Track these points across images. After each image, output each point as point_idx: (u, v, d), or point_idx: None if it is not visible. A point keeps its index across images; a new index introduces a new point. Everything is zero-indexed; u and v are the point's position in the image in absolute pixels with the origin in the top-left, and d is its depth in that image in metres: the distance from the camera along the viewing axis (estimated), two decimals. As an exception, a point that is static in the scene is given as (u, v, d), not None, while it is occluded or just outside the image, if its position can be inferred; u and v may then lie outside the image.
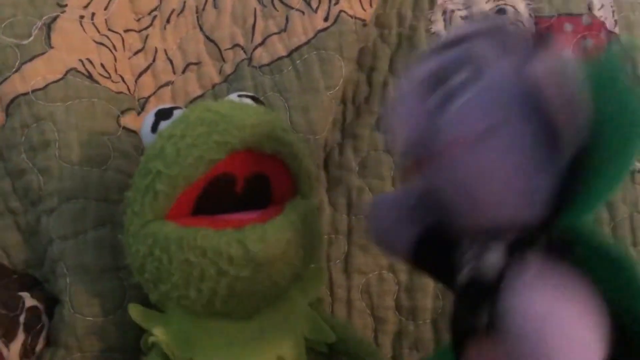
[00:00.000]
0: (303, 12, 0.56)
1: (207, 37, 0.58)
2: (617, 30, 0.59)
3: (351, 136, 0.59)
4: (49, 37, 0.52)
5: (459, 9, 0.61)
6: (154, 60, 0.57)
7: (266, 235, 0.36)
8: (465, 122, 0.26)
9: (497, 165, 0.26)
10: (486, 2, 0.61)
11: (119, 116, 0.52)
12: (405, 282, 0.52)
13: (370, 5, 0.57)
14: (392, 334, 0.52)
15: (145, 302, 0.42)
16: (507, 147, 0.26)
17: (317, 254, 0.43)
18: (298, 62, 0.54)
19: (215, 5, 0.59)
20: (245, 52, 0.56)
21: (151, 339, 0.39)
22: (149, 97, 0.56)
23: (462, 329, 0.30)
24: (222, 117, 0.37)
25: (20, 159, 0.49)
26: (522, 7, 0.60)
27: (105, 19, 0.57)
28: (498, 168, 0.26)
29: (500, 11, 0.60)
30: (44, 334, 0.46)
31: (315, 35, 0.54)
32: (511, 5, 0.60)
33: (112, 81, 0.54)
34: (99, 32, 0.56)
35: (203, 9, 0.59)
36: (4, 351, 0.42)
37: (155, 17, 0.59)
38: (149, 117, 0.42)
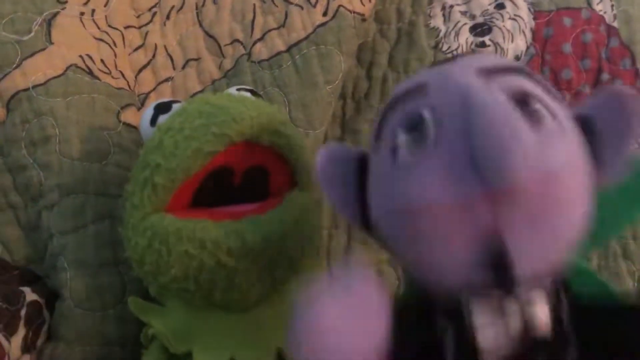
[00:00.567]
0: (302, 7, 0.56)
1: (207, 33, 0.58)
2: (616, 24, 0.59)
3: (351, 131, 0.59)
4: (49, 33, 0.52)
5: (457, 4, 0.61)
6: (153, 56, 0.58)
7: (264, 227, 0.36)
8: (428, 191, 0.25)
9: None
10: (485, -3, 0.61)
11: (119, 112, 0.52)
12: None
13: (369, 0, 0.57)
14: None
15: (146, 296, 0.42)
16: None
17: (316, 247, 0.43)
18: (297, 57, 0.54)
19: (214, 2, 0.59)
20: (244, 47, 0.56)
21: (150, 331, 0.39)
22: (149, 92, 0.56)
23: None
24: (220, 110, 0.37)
25: (20, 154, 0.49)
26: (521, 1, 0.60)
27: (105, 16, 0.57)
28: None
29: (499, 6, 0.60)
30: (44, 329, 0.46)
31: (314, 30, 0.55)
32: (510, 0, 0.60)
33: (112, 77, 0.54)
34: (99, 28, 0.56)
35: (202, 5, 0.59)
36: (5, 344, 0.43)
37: (155, 13, 0.59)
38: (148, 111, 0.42)
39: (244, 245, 0.36)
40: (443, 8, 0.61)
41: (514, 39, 0.59)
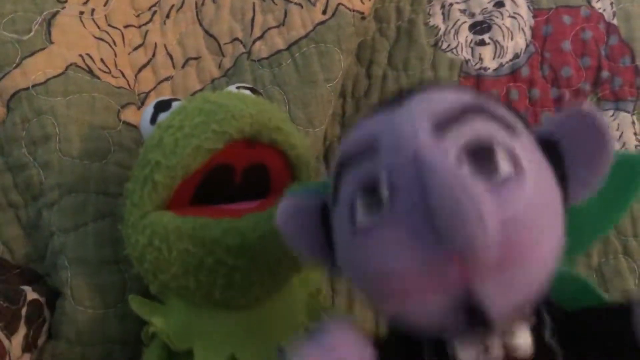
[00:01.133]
0: (301, 6, 0.56)
1: (207, 32, 0.58)
2: (615, 21, 0.59)
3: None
4: (49, 32, 0.52)
5: (457, 3, 0.61)
6: (153, 55, 0.58)
7: (263, 225, 0.36)
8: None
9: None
10: (485, -5, 0.61)
11: (119, 111, 0.52)
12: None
13: (369, -2, 0.57)
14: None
15: (146, 295, 0.42)
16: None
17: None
18: (297, 55, 0.54)
19: (214, 0, 0.59)
20: (244, 46, 0.57)
21: (151, 329, 0.39)
22: (149, 92, 0.56)
23: None
24: (220, 107, 0.37)
25: (21, 153, 0.49)
26: (520, -1, 0.60)
27: (105, 15, 0.57)
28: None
29: (499, 4, 0.60)
30: (45, 328, 0.46)
31: (314, 28, 0.55)
32: (509, -3, 0.60)
33: (112, 76, 0.54)
34: (98, 27, 0.56)
35: (202, 4, 0.59)
36: (6, 343, 0.43)
37: (154, 12, 0.59)
38: (148, 109, 0.42)
39: (243, 243, 0.36)
40: (442, 6, 0.61)
41: (514, 37, 0.59)
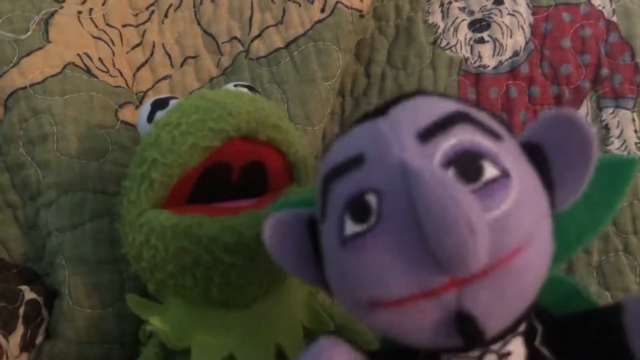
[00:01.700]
0: (299, 4, 0.56)
1: (205, 31, 0.58)
2: (615, 19, 0.58)
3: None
4: (46, 32, 0.52)
5: (456, 0, 0.61)
6: (151, 54, 0.58)
7: (261, 222, 0.36)
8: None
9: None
10: (484, -7, 0.61)
11: (117, 110, 0.52)
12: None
13: (367, -4, 0.57)
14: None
15: (144, 294, 0.42)
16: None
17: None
18: (295, 53, 0.54)
19: (212, -1, 0.59)
20: (242, 44, 0.56)
21: (149, 328, 0.39)
22: (147, 91, 0.56)
23: None
24: (217, 105, 0.37)
25: (18, 152, 0.49)
26: (519, -4, 0.60)
27: (103, 14, 0.57)
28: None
29: (498, 1, 0.60)
30: (43, 327, 0.46)
31: (312, 26, 0.55)
32: (508, -5, 0.60)
33: (110, 75, 0.54)
34: (96, 27, 0.56)
35: (200, 3, 0.59)
36: (4, 343, 0.42)
37: (152, 11, 0.59)
38: (145, 108, 0.42)
39: (240, 241, 0.35)
40: (441, 4, 0.61)
41: (513, 34, 0.59)
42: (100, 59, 0.54)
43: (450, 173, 0.23)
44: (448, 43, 0.60)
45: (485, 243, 0.22)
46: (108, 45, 0.56)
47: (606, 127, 0.56)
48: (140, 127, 0.42)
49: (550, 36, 0.59)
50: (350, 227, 0.24)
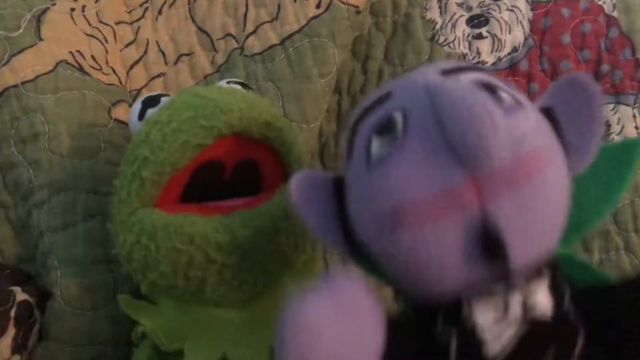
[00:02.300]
0: (295, 0, 0.55)
1: (199, 28, 0.57)
2: (615, 14, 0.58)
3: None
4: (38, 29, 0.52)
5: (454, -4, 0.60)
6: (145, 52, 0.57)
7: (254, 221, 0.35)
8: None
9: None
10: (482, -12, 0.60)
11: (110, 108, 0.52)
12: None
13: (364, -8, 0.56)
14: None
15: (137, 295, 0.41)
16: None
17: (310, 242, 0.42)
18: (290, 50, 0.53)
19: (206, -4, 0.58)
20: (237, 41, 0.56)
21: (141, 330, 0.38)
22: (141, 88, 0.56)
23: None
24: (209, 102, 0.36)
25: (10, 152, 0.48)
26: (519, -8, 0.59)
27: (96, 12, 0.56)
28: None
29: (496, -3, 0.59)
30: (36, 329, 0.46)
31: (308, 22, 0.54)
32: (507, -10, 0.59)
33: (103, 73, 0.53)
34: (89, 24, 0.55)
35: (195, 0, 0.58)
36: (-6, 345, 0.42)
37: (146, 9, 0.59)
38: (136, 105, 0.42)
39: (233, 240, 0.35)
40: (439, 0, 0.60)
41: (512, 30, 0.58)
42: (93, 57, 0.53)
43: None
44: (446, 39, 0.59)
45: (507, 140, 0.22)
46: (101, 42, 0.55)
47: (606, 124, 0.55)
48: (132, 125, 0.42)
49: (549, 32, 0.58)
50: (377, 146, 0.25)
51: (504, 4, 0.59)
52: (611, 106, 0.56)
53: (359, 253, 0.28)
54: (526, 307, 0.25)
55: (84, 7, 0.55)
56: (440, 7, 0.60)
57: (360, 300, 0.24)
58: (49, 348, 0.45)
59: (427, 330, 0.26)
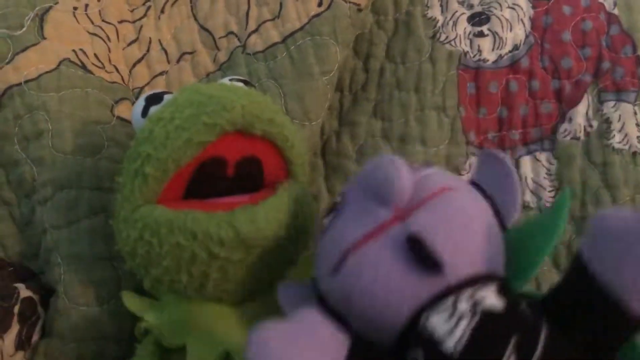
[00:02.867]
0: (296, -2, 0.55)
1: (201, 26, 0.58)
2: (616, 11, 0.58)
3: (348, 123, 0.58)
4: (41, 28, 0.52)
5: (455, -6, 0.60)
6: (148, 50, 0.57)
7: (256, 217, 0.35)
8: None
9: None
10: (483, -14, 0.60)
11: (113, 106, 0.52)
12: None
13: (365, -10, 0.56)
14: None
15: (140, 291, 0.41)
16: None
17: (312, 238, 0.42)
18: (292, 48, 0.53)
19: (209, -6, 0.58)
20: (239, 39, 0.56)
21: (143, 325, 0.39)
22: (144, 87, 0.56)
23: None
24: (211, 99, 0.37)
25: (13, 149, 0.48)
26: (519, -10, 0.59)
27: (99, 10, 0.57)
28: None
29: (497, -6, 0.59)
30: (39, 326, 0.46)
31: (309, 20, 0.54)
32: (508, -12, 0.59)
33: (106, 71, 0.54)
34: (92, 23, 0.55)
35: (197, -1, 0.59)
36: (-2, 341, 0.42)
37: (149, 7, 0.59)
38: (139, 103, 0.42)
39: (236, 236, 0.35)
40: (440, -2, 0.61)
41: (513, 28, 0.58)
42: (95, 55, 0.54)
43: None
44: (447, 37, 0.59)
45: (409, 178, 0.29)
46: (104, 41, 0.55)
47: (607, 121, 0.55)
48: (135, 122, 0.42)
49: (550, 29, 0.58)
50: (328, 220, 0.33)
51: (505, 1, 0.59)
52: (612, 103, 0.56)
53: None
54: (474, 301, 0.27)
55: (86, 5, 0.56)
56: (441, 5, 0.60)
57: (318, 324, 0.28)
58: (52, 344, 0.45)
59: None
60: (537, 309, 0.27)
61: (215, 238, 0.35)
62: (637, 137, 0.54)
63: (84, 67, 0.52)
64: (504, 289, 0.28)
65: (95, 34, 0.55)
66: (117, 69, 0.55)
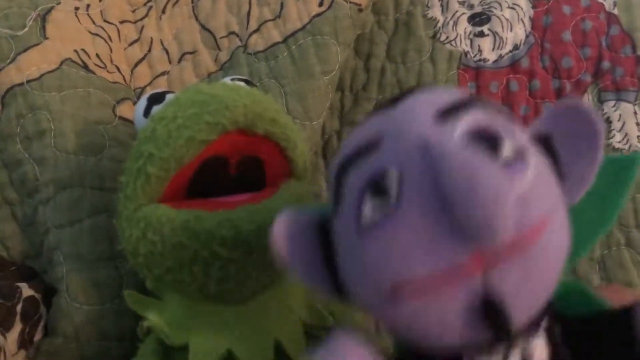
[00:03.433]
0: (297, -2, 0.55)
1: (203, 26, 0.58)
2: (616, 11, 0.58)
3: (349, 123, 0.58)
4: (43, 28, 0.52)
5: (456, -6, 0.61)
6: (149, 50, 0.57)
7: (258, 216, 0.36)
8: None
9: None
10: (483, -14, 0.60)
11: (115, 106, 0.52)
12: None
13: (366, -10, 0.57)
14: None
15: (143, 290, 0.41)
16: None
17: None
18: (293, 47, 0.54)
19: (210, -6, 0.59)
20: (240, 39, 0.56)
21: (146, 324, 0.39)
22: (145, 87, 0.56)
23: None
24: (213, 98, 0.37)
25: (16, 149, 0.49)
26: (519, -11, 0.59)
27: (101, 11, 0.57)
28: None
29: (498, -6, 0.60)
30: (42, 325, 0.46)
31: (310, 20, 0.54)
32: (508, -12, 0.59)
33: (108, 71, 0.54)
34: (94, 23, 0.56)
35: (198, -1, 0.59)
36: (1, 340, 0.42)
37: (150, 7, 0.59)
38: (141, 102, 0.42)
39: (238, 235, 0.35)
40: (441, -2, 0.61)
41: (513, 28, 0.58)
42: (97, 55, 0.54)
43: (472, 148, 0.22)
44: (447, 37, 0.59)
45: (511, 210, 0.20)
46: (105, 41, 0.55)
47: (607, 121, 0.55)
48: (137, 121, 0.42)
49: (550, 29, 0.58)
50: (369, 211, 0.23)
51: (505, 1, 0.59)
52: (612, 103, 0.56)
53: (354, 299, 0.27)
54: (525, 357, 0.25)
55: (88, 6, 0.56)
56: (441, 5, 0.60)
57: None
58: (54, 343, 0.45)
59: None
60: (568, 334, 0.26)
61: (217, 237, 0.35)
62: (637, 136, 0.54)
63: (85, 67, 0.52)
64: (551, 320, 0.26)
65: (96, 34, 0.55)
66: (118, 69, 0.55)
